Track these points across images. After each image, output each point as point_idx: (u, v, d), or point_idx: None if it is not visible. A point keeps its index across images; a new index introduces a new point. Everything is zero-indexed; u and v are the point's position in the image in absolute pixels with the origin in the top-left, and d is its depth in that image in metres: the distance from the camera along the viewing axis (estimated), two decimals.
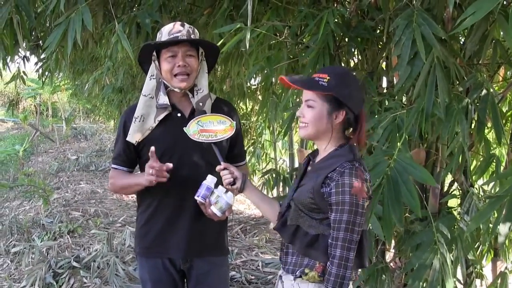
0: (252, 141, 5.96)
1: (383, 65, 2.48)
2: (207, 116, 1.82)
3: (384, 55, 2.38)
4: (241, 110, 5.78)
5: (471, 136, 2.06)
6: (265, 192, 3.97)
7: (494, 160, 2.03)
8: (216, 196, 1.73)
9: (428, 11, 1.81)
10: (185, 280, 2.00)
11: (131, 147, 1.92)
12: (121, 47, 2.20)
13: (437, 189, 2.23)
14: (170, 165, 1.74)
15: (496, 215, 1.65)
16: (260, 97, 4.65)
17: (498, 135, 1.82)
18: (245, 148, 2.54)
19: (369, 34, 2.18)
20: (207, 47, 1.92)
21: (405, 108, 1.91)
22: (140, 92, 1.94)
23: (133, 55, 2.26)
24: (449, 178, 2.37)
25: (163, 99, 1.87)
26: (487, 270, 2.51)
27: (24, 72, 3.64)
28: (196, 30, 1.89)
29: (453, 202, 2.40)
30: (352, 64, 2.59)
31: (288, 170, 5.29)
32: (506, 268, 2.37)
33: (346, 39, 2.27)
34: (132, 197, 6.10)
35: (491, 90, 1.88)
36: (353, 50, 2.41)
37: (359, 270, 1.75)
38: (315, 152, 1.61)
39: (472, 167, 2.34)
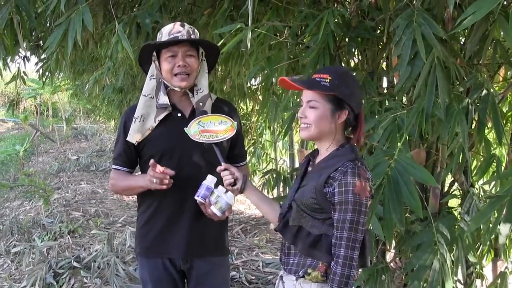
0: (253, 141, 5.96)
1: (384, 65, 2.48)
2: (208, 116, 1.82)
3: (384, 55, 2.38)
4: (241, 110, 5.77)
5: (471, 136, 2.06)
6: (265, 193, 3.98)
7: (495, 160, 2.03)
8: (216, 196, 1.73)
9: (428, 11, 1.81)
10: (185, 280, 2.00)
11: (132, 147, 1.92)
12: (121, 47, 2.20)
13: (437, 189, 2.22)
14: (172, 172, 1.76)
15: (496, 215, 1.65)
16: (260, 97, 4.66)
17: (499, 135, 1.82)
18: (246, 148, 2.54)
19: (369, 34, 2.18)
20: (207, 47, 1.92)
21: (405, 109, 1.91)
22: (141, 92, 1.94)
23: (133, 55, 2.26)
24: (449, 178, 2.37)
25: (163, 99, 1.87)
26: (488, 270, 2.51)
27: (24, 72, 3.64)
28: (196, 30, 1.89)
29: (453, 202, 2.40)
30: (352, 64, 2.59)
31: (289, 171, 5.29)
32: (506, 268, 2.37)
33: (346, 39, 2.27)
34: (132, 197, 6.10)
35: (492, 90, 1.87)
36: (353, 50, 2.40)
37: (360, 269, 1.75)
38: (315, 153, 1.61)
39: (472, 167, 2.34)
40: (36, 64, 3.80)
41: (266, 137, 6.30)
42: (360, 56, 2.52)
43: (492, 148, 2.23)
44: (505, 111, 2.52)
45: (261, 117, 4.94)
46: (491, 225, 1.88)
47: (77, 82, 9.38)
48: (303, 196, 1.50)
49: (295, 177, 2.80)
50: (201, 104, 1.88)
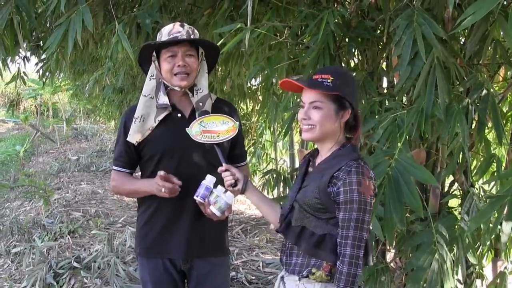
0: (253, 141, 5.96)
1: (384, 65, 2.48)
2: (210, 116, 1.82)
3: (384, 55, 2.38)
4: (241, 110, 5.78)
5: (471, 136, 2.06)
6: (265, 193, 3.98)
7: (495, 160, 2.03)
8: (215, 196, 1.73)
9: (428, 11, 1.81)
10: (185, 280, 2.00)
11: (132, 148, 1.92)
12: (121, 47, 2.20)
13: (437, 189, 2.22)
14: (180, 182, 1.78)
15: (496, 215, 1.65)
16: (260, 97, 4.66)
17: (499, 135, 1.82)
18: (246, 149, 2.54)
19: (369, 35, 2.18)
20: (207, 47, 1.92)
21: (405, 109, 1.91)
22: (141, 92, 1.94)
23: (134, 56, 2.26)
24: (449, 178, 2.37)
25: (163, 99, 1.87)
26: (488, 270, 2.51)
27: (24, 73, 3.65)
28: (196, 31, 1.89)
29: (453, 202, 2.40)
30: (352, 64, 2.59)
31: (289, 171, 5.29)
32: (505, 268, 2.37)
33: (347, 40, 2.27)
34: (132, 198, 6.09)
35: (492, 90, 1.87)
36: (353, 50, 2.41)
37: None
38: (314, 153, 1.61)
39: (472, 167, 2.34)
40: (36, 64, 3.80)
41: (266, 137, 6.30)
42: (360, 56, 2.52)
43: (492, 148, 2.23)
44: (505, 111, 2.52)
45: (261, 117, 4.94)
46: (491, 225, 1.88)
47: (77, 82, 9.39)
48: (305, 196, 1.51)
49: (295, 177, 2.81)
50: (201, 104, 1.88)
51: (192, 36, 1.85)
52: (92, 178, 8.13)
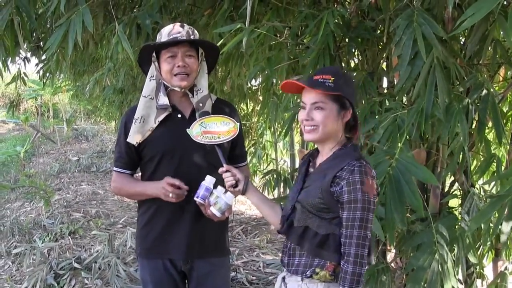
0: (253, 141, 5.95)
1: (384, 65, 2.48)
2: (210, 117, 1.82)
3: (384, 55, 2.38)
4: (241, 110, 5.77)
5: (471, 136, 2.06)
6: (266, 193, 3.98)
7: (495, 160, 2.03)
8: (215, 196, 1.73)
9: (428, 11, 1.81)
10: (186, 281, 2.00)
11: (132, 149, 1.91)
12: (121, 48, 2.20)
13: (438, 189, 2.22)
14: (187, 187, 1.79)
15: (497, 215, 1.65)
16: (260, 97, 4.66)
17: (499, 135, 1.82)
18: (246, 149, 2.54)
19: (369, 35, 2.18)
20: (207, 48, 1.92)
21: (405, 109, 1.91)
22: (141, 93, 1.94)
23: (134, 56, 2.26)
24: (450, 178, 2.36)
25: (163, 100, 1.87)
26: (488, 270, 2.51)
27: (25, 73, 3.65)
28: (195, 31, 1.89)
29: (454, 202, 2.40)
30: (352, 64, 2.59)
31: (289, 171, 5.29)
32: (506, 268, 2.37)
33: (347, 40, 2.27)
34: None
35: (492, 90, 1.87)
36: (353, 50, 2.41)
37: None
38: (314, 153, 1.61)
39: (472, 167, 2.34)
40: (37, 65, 3.81)
41: (266, 138, 6.29)
42: (360, 56, 2.52)
43: (492, 148, 2.23)
44: (505, 111, 2.52)
45: (262, 118, 4.95)
46: (491, 225, 1.88)
47: (78, 83, 9.39)
48: (308, 197, 1.51)
49: (295, 177, 2.81)
50: (201, 104, 1.88)
51: (192, 37, 1.85)
52: (92, 178, 8.13)
